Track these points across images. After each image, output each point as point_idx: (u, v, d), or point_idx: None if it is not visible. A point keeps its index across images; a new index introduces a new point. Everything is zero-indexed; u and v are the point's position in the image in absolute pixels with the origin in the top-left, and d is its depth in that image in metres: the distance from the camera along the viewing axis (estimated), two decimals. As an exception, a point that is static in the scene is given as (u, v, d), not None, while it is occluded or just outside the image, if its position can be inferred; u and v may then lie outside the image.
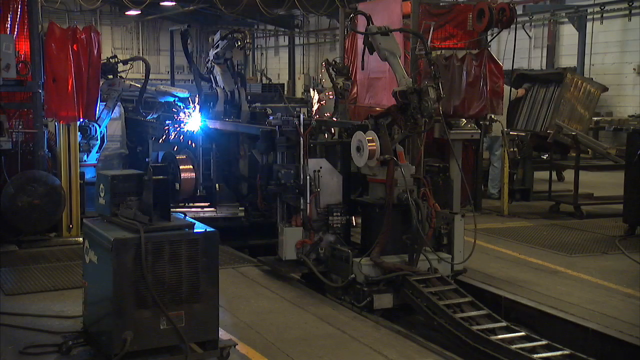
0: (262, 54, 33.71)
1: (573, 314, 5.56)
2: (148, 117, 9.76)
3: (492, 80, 9.22)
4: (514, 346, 4.80)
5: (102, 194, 4.51)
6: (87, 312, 4.58)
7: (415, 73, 8.85)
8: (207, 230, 4.30)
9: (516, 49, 12.10)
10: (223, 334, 4.59)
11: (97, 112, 8.26)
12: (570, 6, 19.28)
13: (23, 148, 7.56)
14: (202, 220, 6.24)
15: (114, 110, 9.43)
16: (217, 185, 8.42)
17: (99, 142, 9.34)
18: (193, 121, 8.64)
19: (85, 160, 9.05)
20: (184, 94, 10.08)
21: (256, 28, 30.85)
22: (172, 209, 4.46)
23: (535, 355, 4.67)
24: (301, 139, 6.45)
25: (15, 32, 7.57)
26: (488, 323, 5.21)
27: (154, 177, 4.32)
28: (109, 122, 9.47)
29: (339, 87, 11.32)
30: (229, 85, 9.23)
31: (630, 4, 17.01)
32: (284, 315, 5.47)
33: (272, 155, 6.85)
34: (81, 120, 7.99)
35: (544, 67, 19.66)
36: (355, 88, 10.63)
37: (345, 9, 13.24)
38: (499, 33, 9.77)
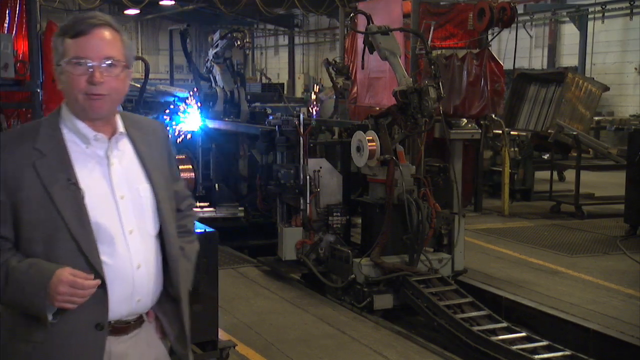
0: (261, 53, 33.69)
1: (574, 314, 5.54)
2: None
3: (492, 80, 9.19)
4: (515, 347, 4.78)
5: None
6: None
7: (415, 72, 8.83)
8: (207, 230, 4.27)
9: (517, 48, 12.08)
10: (222, 335, 4.56)
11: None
12: (571, 5, 19.26)
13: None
14: (202, 220, 6.23)
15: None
16: (216, 185, 8.41)
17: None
18: (193, 120, 8.60)
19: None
20: (183, 93, 10.05)
21: (256, 27, 30.82)
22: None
23: (536, 356, 4.65)
24: (301, 138, 6.43)
25: (14, 32, 7.55)
26: (489, 324, 5.19)
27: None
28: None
29: (339, 86, 11.32)
30: (228, 84, 9.21)
31: (632, 3, 16.98)
32: (283, 316, 5.45)
33: (272, 155, 6.82)
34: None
35: (544, 67, 19.63)
36: (356, 88, 10.62)
37: (345, 8, 13.24)
38: (499, 32, 9.74)
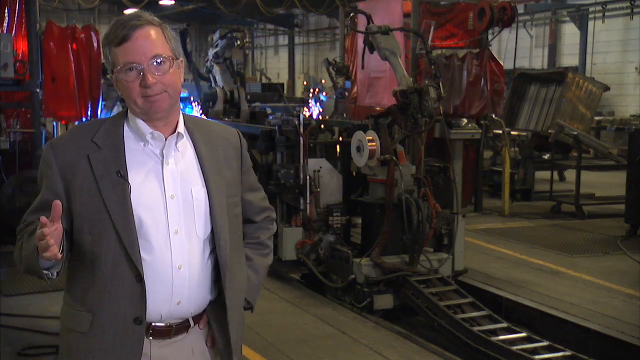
0: (261, 53, 33.69)
1: (574, 314, 5.52)
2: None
3: (492, 80, 9.19)
4: (515, 347, 4.77)
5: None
6: (85, 313, 4.55)
7: (415, 72, 8.82)
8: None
9: (517, 48, 12.07)
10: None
11: (99, 111, 8.24)
12: (571, 5, 19.25)
13: (21, 148, 7.53)
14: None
15: (113, 110, 9.41)
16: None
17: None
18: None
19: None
20: (183, 93, 10.04)
21: (255, 27, 30.82)
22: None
23: (536, 357, 4.64)
24: (301, 138, 6.42)
25: (14, 31, 7.54)
26: (489, 324, 5.18)
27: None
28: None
29: (338, 86, 11.32)
30: (228, 84, 9.21)
31: (632, 2, 16.97)
32: (283, 316, 5.44)
33: (272, 155, 6.81)
34: (84, 119, 7.98)
35: (545, 67, 19.62)
36: (356, 87, 10.61)
37: (345, 7, 13.22)
38: (499, 32, 9.74)
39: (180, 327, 2.04)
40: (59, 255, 1.83)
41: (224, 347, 2.09)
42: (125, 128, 2.02)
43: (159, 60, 1.94)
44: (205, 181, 2.04)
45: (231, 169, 2.13)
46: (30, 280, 6.19)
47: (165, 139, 2.01)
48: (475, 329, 5.04)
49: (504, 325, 5.19)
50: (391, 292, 5.83)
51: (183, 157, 2.04)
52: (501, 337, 4.96)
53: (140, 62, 1.92)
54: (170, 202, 1.98)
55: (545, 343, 4.85)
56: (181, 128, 2.05)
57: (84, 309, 1.98)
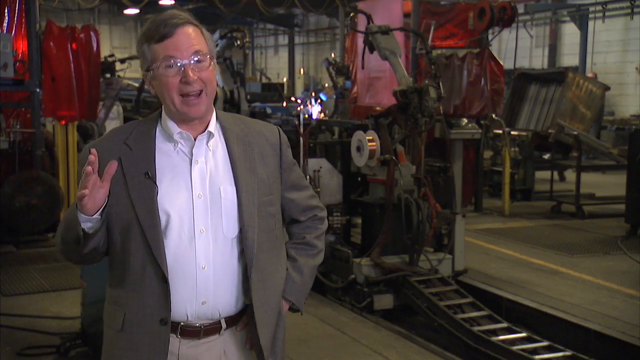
0: (261, 53, 33.68)
1: (574, 314, 5.52)
2: None
3: (493, 80, 9.18)
4: (515, 347, 4.76)
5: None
6: (85, 313, 4.54)
7: (415, 72, 8.81)
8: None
9: (517, 48, 12.07)
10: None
11: (98, 111, 8.24)
12: (572, 5, 19.24)
13: (21, 148, 7.52)
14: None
15: (112, 110, 9.39)
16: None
17: (97, 141, 9.31)
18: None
19: (83, 160, 9.00)
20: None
21: (255, 27, 30.80)
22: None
23: (536, 357, 4.64)
24: (301, 138, 6.41)
25: (14, 31, 7.54)
26: (489, 324, 5.18)
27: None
28: (107, 122, 9.44)
29: (338, 86, 11.30)
30: (228, 84, 9.20)
31: (632, 2, 16.95)
32: (283, 316, 5.42)
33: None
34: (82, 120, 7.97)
35: (545, 67, 19.61)
36: (356, 87, 10.61)
37: (345, 7, 13.22)
38: (500, 32, 9.74)
39: (210, 329, 2.02)
40: (95, 206, 1.86)
41: (258, 350, 2.06)
42: (158, 129, 2.03)
43: (199, 58, 1.95)
44: (235, 180, 2.02)
45: (267, 167, 2.09)
46: (30, 280, 6.19)
47: (195, 138, 2.00)
48: (475, 329, 5.04)
49: (504, 325, 5.18)
50: (391, 292, 5.82)
51: (214, 156, 2.03)
52: (501, 337, 4.95)
53: (182, 57, 1.93)
54: (197, 202, 1.97)
55: (545, 343, 4.84)
56: (212, 127, 2.04)
57: (117, 307, 2.00)
